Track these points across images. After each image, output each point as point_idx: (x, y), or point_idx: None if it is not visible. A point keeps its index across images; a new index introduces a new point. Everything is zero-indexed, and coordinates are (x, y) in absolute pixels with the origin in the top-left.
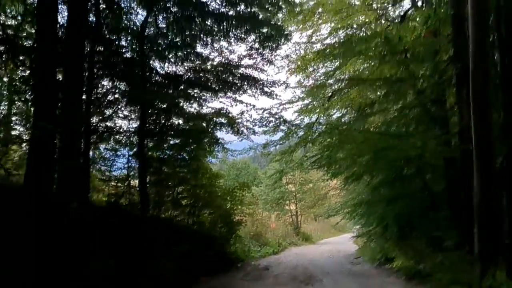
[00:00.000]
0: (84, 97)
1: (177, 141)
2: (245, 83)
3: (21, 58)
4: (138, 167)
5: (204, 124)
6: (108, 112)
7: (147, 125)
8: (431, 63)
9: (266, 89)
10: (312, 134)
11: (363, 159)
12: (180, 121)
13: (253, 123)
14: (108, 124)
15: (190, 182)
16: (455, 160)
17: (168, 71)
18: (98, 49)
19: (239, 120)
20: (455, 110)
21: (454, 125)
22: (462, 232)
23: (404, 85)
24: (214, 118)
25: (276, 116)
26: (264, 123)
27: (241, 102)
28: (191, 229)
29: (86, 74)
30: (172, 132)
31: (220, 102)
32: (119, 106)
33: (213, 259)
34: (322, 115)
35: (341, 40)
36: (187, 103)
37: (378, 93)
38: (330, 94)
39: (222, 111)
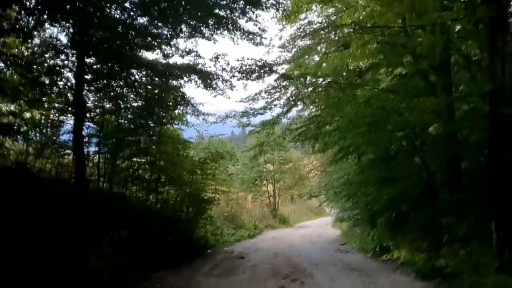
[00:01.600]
0: None
1: (135, 100)
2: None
3: None
4: (74, 127)
5: (169, 76)
6: None
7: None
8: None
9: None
10: (306, 88)
11: (357, 131)
12: (138, 74)
13: (231, 73)
14: None
15: (151, 151)
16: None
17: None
18: None
19: (212, 69)
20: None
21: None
22: (475, 219)
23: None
24: (181, 69)
25: (260, 64)
26: (245, 74)
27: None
28: (151, 209)
29: None
30: (126, 87)
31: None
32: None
33: (175, 246)
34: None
35: None
36: (146, 49)
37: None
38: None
39: (191, 56)
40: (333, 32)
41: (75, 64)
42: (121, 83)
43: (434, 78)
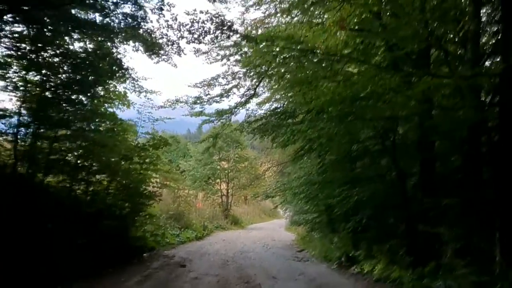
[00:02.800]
0: None
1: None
2: None
3: None
4: None
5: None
6: None
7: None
8: None
9: None
10: (273, 59)
11: (330, 115)
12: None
13: (179, 33)
14: None
15: (79, 132)
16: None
17: None
18: None
19: (154, 25)
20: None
21: None
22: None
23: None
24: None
25: (218, 20)
26: (197, 34)
27: None
28: (74, 201)
29: None
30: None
31: None
32: None
33: (102, 249)
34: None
35: None
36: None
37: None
38: None
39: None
40: None
41: None
42: (47, 49)
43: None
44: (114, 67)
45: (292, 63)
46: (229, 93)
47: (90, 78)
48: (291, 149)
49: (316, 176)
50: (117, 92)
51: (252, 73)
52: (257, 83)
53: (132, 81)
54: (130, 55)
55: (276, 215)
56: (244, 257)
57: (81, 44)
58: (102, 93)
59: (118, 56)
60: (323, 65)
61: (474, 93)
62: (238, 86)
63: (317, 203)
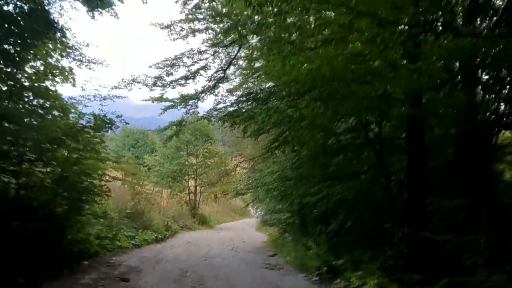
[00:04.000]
0: None
1: None
2: None
3: None
4: None
5: None
6: None
7: None
8: None
9: None
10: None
11: (308, 101)
12: None
13: None
14: None
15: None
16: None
17: None
18: None
19: None
20: None
21: None
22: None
23: None
24: None
25: None
26: None
27: None
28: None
29: None
30: None
31: None
32: None
33: (19, 256)
34: None
35: None
36: None
37: None
38: None
39: None
40: None
41: None
42: None
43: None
44: (44, 26)
45: (271, 18)
46: (195, 75)
47: (14, 40)
48: (264, 142)
49: (291, 171)
50: (60, 67)
51: (221, 52)
52: (227, 64)
53: (71, 49)
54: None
55: (247, 214)
56: (208, 265)
57: None
58: (42, 68)
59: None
60: (310, 18)
61: None
62: (206, 68)
63: (291, 202)
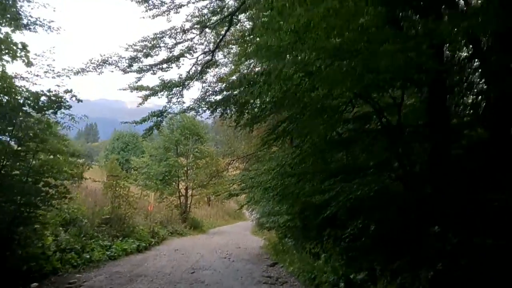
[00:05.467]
0: None
1: None
2: None
3: None
4: None
5: None
6: None
7: None
8: None
9: None
10: None
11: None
12: None
13: None
14: None
15: None
16: None
17: None
18: None
19: None
20: None
21: None
22: None
23: None
24: None
25: None
26: None
27: None
28: None
29: None
30: None
31: None
32: None
33: None
34: None
35: None
36: None
37: None
38: None
39: None
40: None
41: None
42: None
43: None
44: None
45: None
46: (178, 59)
47: None
48: (258, 140)
49: (292, 168)
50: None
51: (209, 32)
52: (215, 45)
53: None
54: None
55: (242, 217)
56: (196, 281)
57: None
58: None
59: None
60: None
61: None
62: (191, 51)
63: (292, 203)
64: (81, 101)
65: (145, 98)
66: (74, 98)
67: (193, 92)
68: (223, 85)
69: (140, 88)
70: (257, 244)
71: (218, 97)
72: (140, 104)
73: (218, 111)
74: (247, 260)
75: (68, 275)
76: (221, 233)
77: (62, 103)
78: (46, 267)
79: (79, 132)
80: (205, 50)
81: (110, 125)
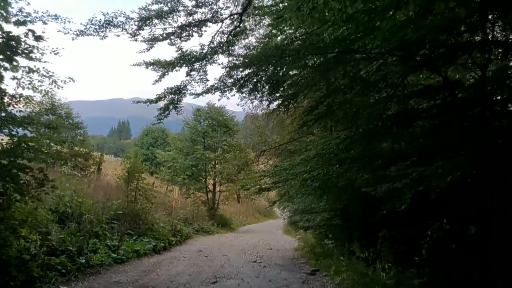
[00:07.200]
0: None
1: None
2: None
3: None
4: None
5: None
6: None
7: None
8: None
9: None
10: None
11: None
12: None
13: None
14: None
15: None
16: None
17: None
18: None
19: None
20: None
21: None
22: None
23: None
24: None
25: None
26: None
27: None
28: None
29: None
30: None
31: None
32: None
33: None
34: None
35: None
36: None
37: None
38: None
39: None
40: None
41: None
42: None
43: None
44: None
45: None
46: (200, 25)
47: None
48: (293, 126)
49: (336, 155)
50: None
51: None
52: (244, 6)
53: None
54: None
55: (272, 215)
56: None
57: None
58: None
59: None
60: None
61: None
62: (216, 16)
63: (338, 196)
64: (58, 53)
65: (162, 74)
66: (31, 33)
67: (217, 70)
68: (254, 56)
69: (156, 64)
70: (290, 245)
71: (247, 71)
72: (156, 81)
73: (247, 88)
74: (280, 266)
75: (50, 286)
76: (251, 231)
77: (18, 46)
78: (19, 277)
79: (112, 130)
80: (233, 12)
81: (143, 122)
